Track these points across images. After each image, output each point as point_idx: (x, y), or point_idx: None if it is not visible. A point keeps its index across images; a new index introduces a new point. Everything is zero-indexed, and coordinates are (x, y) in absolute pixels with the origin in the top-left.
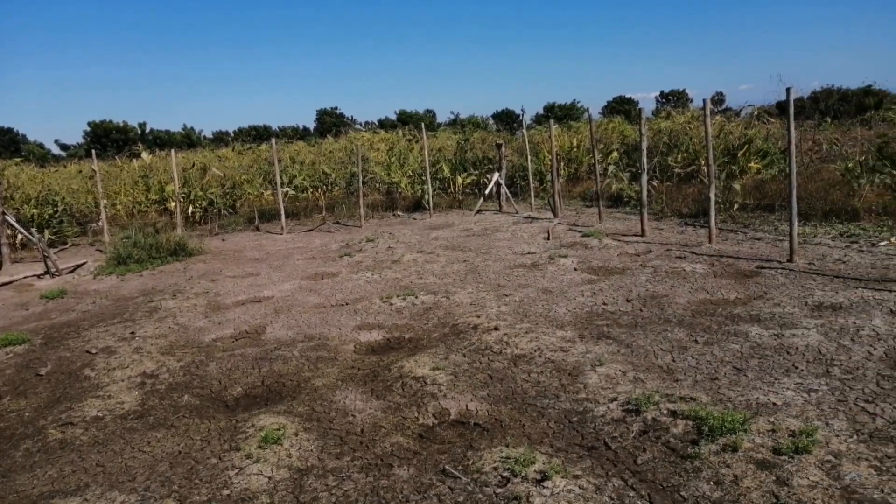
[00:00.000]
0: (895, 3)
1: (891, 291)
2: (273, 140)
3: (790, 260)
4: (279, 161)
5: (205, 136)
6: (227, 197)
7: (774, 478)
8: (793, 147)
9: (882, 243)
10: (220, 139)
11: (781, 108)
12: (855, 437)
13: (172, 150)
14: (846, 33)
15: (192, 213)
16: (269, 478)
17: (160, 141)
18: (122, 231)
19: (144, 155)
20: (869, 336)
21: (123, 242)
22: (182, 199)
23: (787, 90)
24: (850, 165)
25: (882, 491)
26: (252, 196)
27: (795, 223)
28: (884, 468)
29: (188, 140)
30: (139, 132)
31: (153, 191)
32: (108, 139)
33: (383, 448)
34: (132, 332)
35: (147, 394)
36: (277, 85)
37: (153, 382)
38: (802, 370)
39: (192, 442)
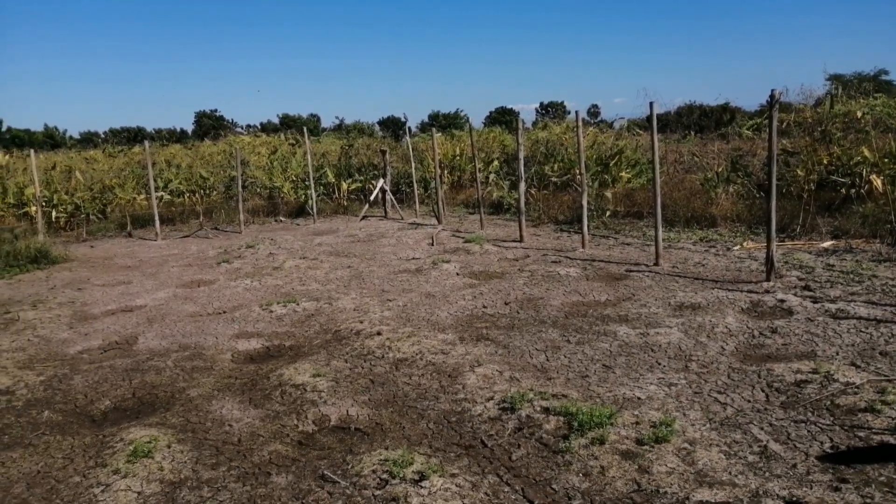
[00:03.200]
0: (747, 32)
1: (742, 291)
2: (146, 142)
3: (656, 263)
4: (154, 164)
5: (70, 137)
6: (97, 201)
7: (637, 466)
8: (656, 158)
9: (735, 248)
10: (89, 140)
11: (650, 121)
12: (708, 425)
13: (32, 151)
14: (706, 55)
15: (57, 218)
16: (139, 493)
17: (19, 140)
18: None
19: None
20: (723, 333)
21: None
22: (44, 204)
23: (651, 104)
24: (708, 176)
25: (730, 473)
26: (124, 201)
27: (661, 229)
28: (732, 452)
29: (51, 140)
30: None
31: (10, 194)
32: None
33: (261, 456)
34: None
35: (1, 412)
36: (153, 85)
37: (8, 399)
38: (664, 366)
39: (53, 460)
